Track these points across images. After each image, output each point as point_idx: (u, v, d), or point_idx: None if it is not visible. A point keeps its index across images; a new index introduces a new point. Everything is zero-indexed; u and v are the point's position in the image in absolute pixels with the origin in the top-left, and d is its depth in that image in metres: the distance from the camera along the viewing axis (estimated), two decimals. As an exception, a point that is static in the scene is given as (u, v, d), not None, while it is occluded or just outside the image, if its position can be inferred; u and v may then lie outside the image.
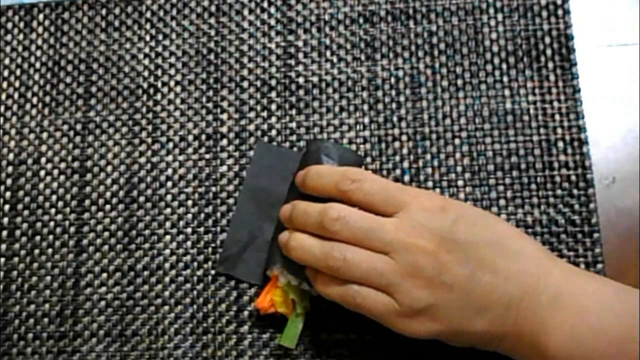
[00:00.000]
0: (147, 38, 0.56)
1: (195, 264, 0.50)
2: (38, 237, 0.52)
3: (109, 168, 0.53)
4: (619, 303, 0.38)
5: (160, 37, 0.56)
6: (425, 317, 0.40)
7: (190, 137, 0.53)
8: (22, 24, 0.57)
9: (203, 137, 0.53)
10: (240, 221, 0.50)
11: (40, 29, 0.57)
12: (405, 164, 0.51)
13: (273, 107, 0.53)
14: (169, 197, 0.52)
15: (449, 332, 0.40)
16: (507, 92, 0.52)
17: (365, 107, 0.52)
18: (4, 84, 0.56)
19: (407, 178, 0.51)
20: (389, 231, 0.40)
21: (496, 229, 0.41)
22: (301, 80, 0.54)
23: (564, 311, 0.38)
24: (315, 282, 0.43)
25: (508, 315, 0.39)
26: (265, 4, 0.56)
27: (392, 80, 0.53)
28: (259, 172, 0.51)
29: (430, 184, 0.51)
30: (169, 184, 0.52)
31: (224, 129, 0.53)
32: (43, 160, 0.54)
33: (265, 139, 0.52)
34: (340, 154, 0.45)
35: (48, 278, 0.51)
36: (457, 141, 0.51)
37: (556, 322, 0.38)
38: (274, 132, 0.53)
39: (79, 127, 0.54)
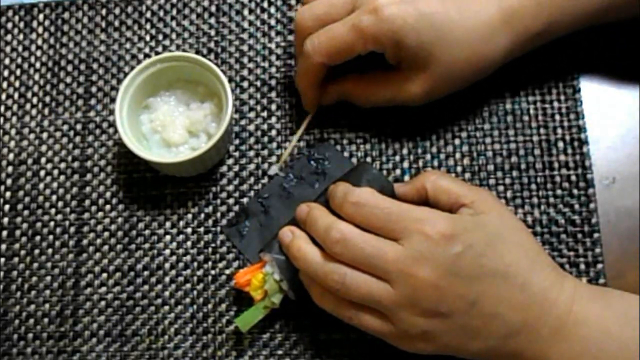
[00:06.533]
0: (147, 38, 0.56)
1: (195, 264, 0.50)
2: (38, 237, 0.52)
3: (109, 168, 0.53)
4: (619, 327, 0.39)
5: (160, 37, 0.56)
6: (421, 340, 0.41)
7: (190, 137, 0.53)
8: (22, 24, 0.57)
9: (203, 137, 0.53)
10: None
11: (40, 29, 0.57)
12: (405, 164, 0.51)
13: (273, 107, 0.53)
14: (169, 197, 0.52)
15: (445, 351, 0.41)
16: (507, 92, 0.52)
17: (365, 107, 0.52)
18: (4, 84, 0.56)
19: (407, 178, 0.51)
20: (389, 260, 0.40)
21: (505, 259, 0.40)
22: (301, 80, 0.53)
23: (566, 342, 0.39)
24: (312, 291, 0.44)
25: (505, 343, 0.40)
26: (265, 4, 0.56)
27: (392, 80, 0.53)
28: (312, 164, 0.51)
29: (430, 184, 0.50)
30: (169, 184, 0.52)
31: (224, 129, 0.53)
32: (43, 160, 0.54)
33: (265, 139, 0.52)
34: (383, 186, 0.44)
35: (48, 278, 0.51)
36: (457, 141, 0.51)
37: (558, 352, 0.39)
38: (274, 132, 0.53)
39: (79, 127, 0.54)
